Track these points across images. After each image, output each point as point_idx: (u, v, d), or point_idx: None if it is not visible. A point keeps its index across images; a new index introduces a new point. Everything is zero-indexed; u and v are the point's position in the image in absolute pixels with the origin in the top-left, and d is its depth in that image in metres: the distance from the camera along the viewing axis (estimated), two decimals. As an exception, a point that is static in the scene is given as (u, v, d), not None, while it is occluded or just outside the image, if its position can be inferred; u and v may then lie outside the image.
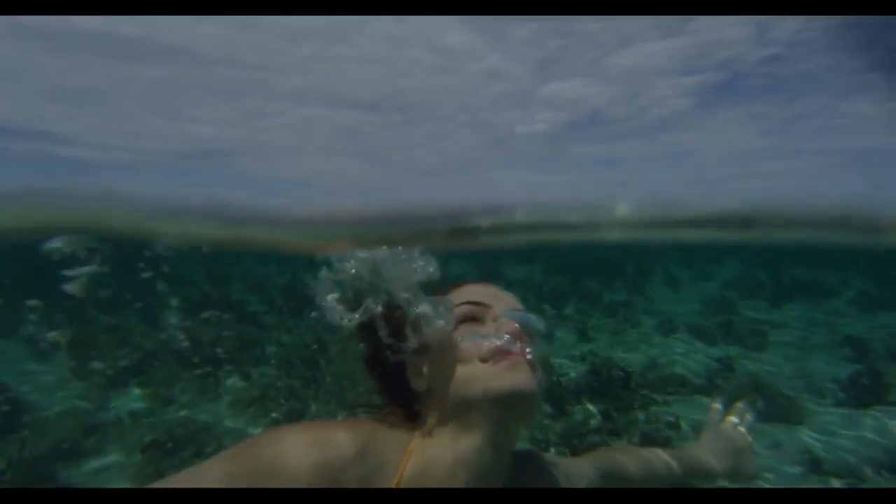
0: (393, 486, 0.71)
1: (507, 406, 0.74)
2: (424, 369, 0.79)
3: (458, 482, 0.73)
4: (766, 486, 3.36)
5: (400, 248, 0.82)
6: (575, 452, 3.64)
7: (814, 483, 3.42)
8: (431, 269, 0.81)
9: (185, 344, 5.47)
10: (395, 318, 0.77)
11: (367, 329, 0.79)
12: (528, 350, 0.77)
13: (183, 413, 4.57)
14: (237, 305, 7.62)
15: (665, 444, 3.76)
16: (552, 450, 3.86)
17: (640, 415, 4.39)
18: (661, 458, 1.10)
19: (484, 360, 0.75)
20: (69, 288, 6.01)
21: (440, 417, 0.77)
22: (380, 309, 0.77)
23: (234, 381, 5.28)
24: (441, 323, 0.76)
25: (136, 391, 5.01)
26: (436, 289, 0.84)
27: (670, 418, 4.33)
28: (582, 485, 0.94)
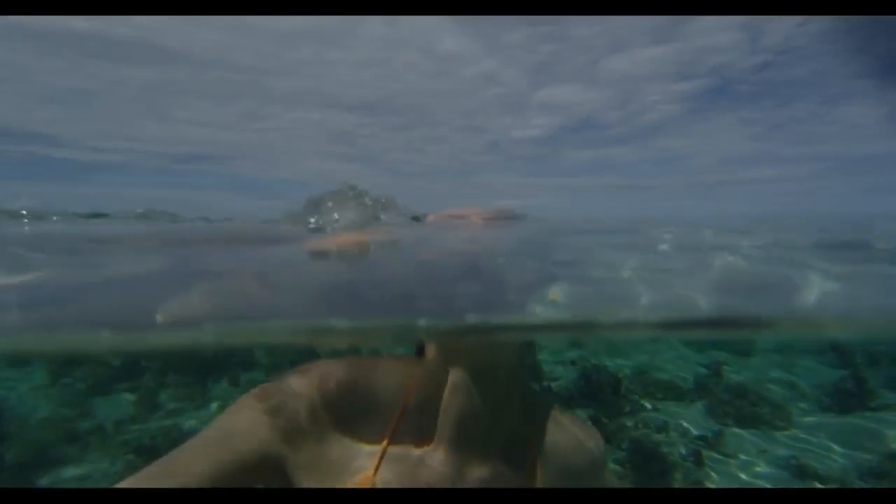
0: (396, 417, 0.75)
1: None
2: None
3: (455, 408, 0.74)
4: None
5: None
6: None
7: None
8: None
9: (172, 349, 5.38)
10: None
11: None
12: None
13: (169, 420, 4.49)
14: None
15: (655, 448, 3.78)
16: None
17: (630, 420, 4.42)
18: None
19: None
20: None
21: (438, 351, 0.79)
22: None
23: (222, 387, 5.21)
24: None
25: (121, 397, 4.91)
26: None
27: (659, 423, 4.36)
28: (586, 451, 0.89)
